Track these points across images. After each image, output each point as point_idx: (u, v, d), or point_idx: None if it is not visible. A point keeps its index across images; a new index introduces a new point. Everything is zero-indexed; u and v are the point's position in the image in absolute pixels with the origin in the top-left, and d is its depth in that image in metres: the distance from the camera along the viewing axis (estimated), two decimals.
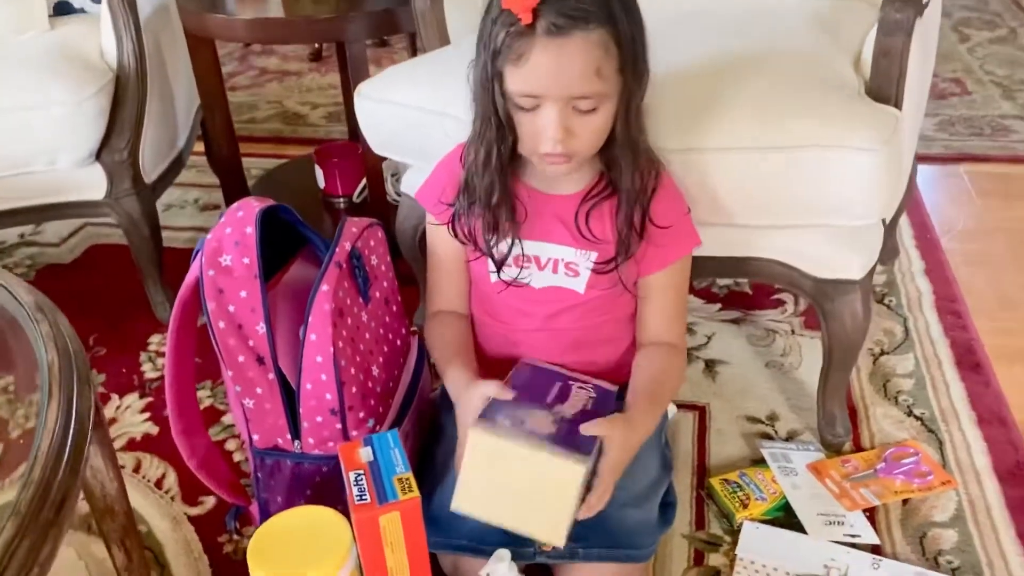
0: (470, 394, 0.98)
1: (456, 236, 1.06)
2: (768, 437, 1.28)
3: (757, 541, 1.10)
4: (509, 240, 1.03)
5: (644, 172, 0.99)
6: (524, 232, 1.03)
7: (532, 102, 0.92)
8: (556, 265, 1.04)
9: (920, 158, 2.03)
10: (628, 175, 0.98)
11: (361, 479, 0.88)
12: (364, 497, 0.85)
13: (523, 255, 1.04)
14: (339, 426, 1.03)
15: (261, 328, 1.00)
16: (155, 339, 1.59)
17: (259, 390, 1.02)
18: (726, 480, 1.18)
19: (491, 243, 1.04)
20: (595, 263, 1.02)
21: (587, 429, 0.93)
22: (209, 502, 1.23)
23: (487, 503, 0.92)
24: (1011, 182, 1.98)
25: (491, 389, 0.96)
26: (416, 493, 0.86)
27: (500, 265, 1.05)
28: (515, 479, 0.90)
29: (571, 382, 1.06)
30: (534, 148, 0.96)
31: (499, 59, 0.91)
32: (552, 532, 0.91)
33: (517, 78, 0.91)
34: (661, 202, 1.01)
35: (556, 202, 1.03)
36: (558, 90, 0.90)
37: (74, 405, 0.68)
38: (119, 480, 0.82)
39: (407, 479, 0.87)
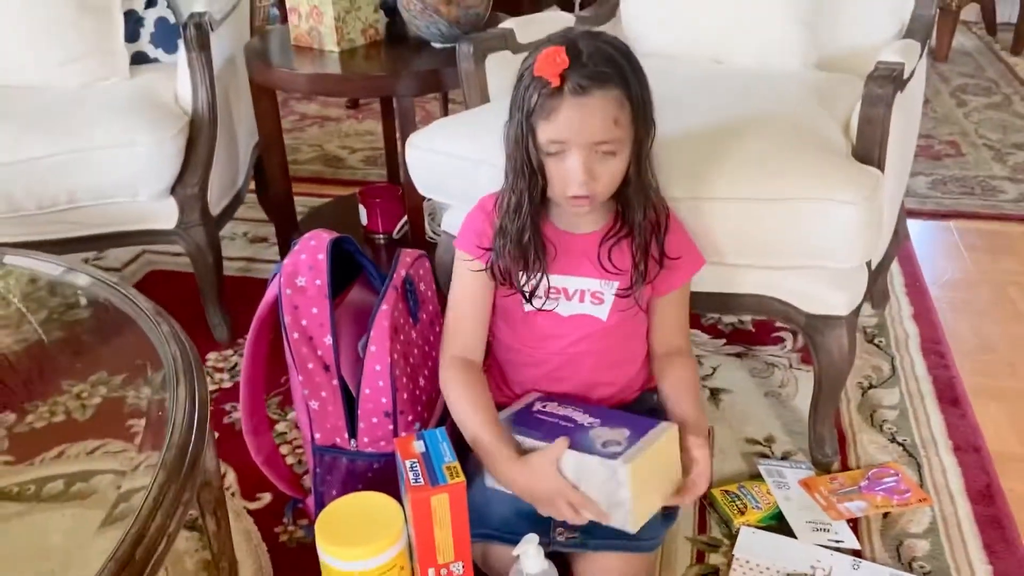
0: (542, 461, 1.07)
1: (493, 276, 1.21)
2: (765, 456, 1.43)
3: (752, 543, 1.25)
4: (539, 275, 1.19)
5: (656, 210, 1.16)
6: (554, 268, 1.19)
7: (559, 147, 1.09)
8: (583, 295, 1.20)
9: (913, 213, 2.22)
10: (641, 212, 1.15)
11: (416, 466, 1.04)
12: (419, 480, 1.02)
13: (552, 287, 1.20)
14: (391, 427, 1.19)
15: (328, 340, 1.17)
16: (212, 356, 1.75)
17: (324, 393, 1.19)
18: (726, 491, 1.33)
19: (523, 279, 1.19)
20: (619, 289, 1.18)
21: (695, 446, 1.10)
22: (266, 498, 1.38)
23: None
24: (997, 238, 2.15)
25: (569, 493, 1.06)
26: (462, 478, 1.02)
27: (530, 297, 1.20)
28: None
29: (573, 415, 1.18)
30: (563, 191, 1.13)
31: (532, 117, 1.09)
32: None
33: (548, 130, 1.09)
34: (672, 235, 1.18)
35: (580, 240, 1.19)
36: (583, 138, 1.08)
37: (196, 387, 0.85)
38: (216, 459, 0.99)
39: (454, 467, 1.04)
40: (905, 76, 1.28)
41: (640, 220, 1.15)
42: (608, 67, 1.06)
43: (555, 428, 1.11)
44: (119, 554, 0.64)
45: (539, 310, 1.21)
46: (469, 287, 1.22)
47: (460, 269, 1.23)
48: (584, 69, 1.05)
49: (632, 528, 1.06)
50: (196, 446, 0.78)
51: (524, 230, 1.16)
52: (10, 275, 1.30)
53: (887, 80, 1.21)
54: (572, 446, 1.06)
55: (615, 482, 1.03)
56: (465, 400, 1.17)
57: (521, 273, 1.18)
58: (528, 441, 1.11)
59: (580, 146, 1.08)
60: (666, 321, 1.25)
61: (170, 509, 0.71)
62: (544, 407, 1.18)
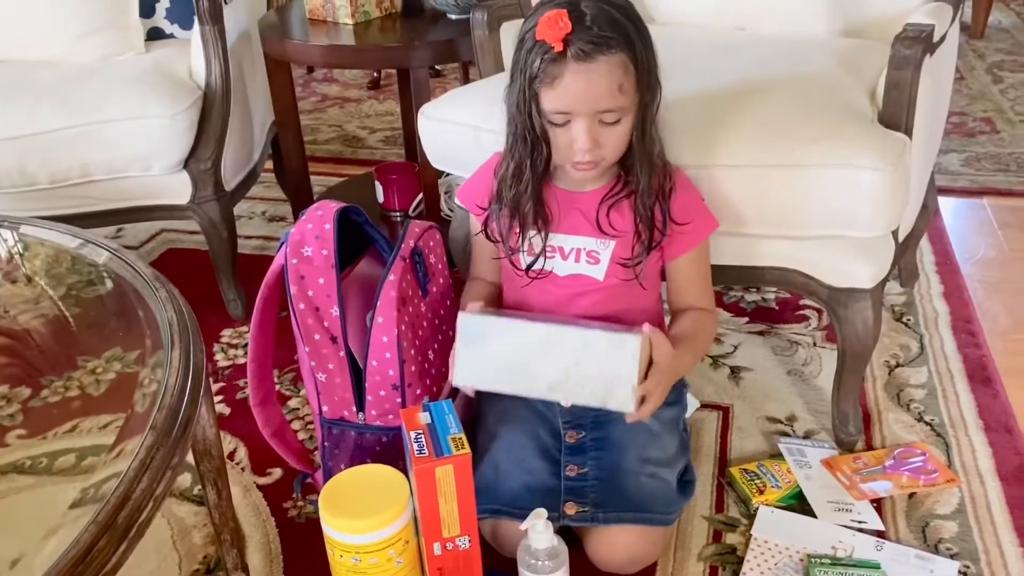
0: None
1: (488, 237, 1.20)
2: (786, 435, 1.39)
3: (771, 523, 1.21)
4: (538, 234, 1.16)
5: (659, 175, 1.12)
6: (552, 226, 1.16)
7: (564, 118, 1.07)
8: (579, 254, 1.17)
9: (945, 191, 2.16)
10: (645, 179, 1.11)
11: (421, 438, 1.01)
12: (423, 452, 0.99)
13: (549, 246, 1.17)
14: (399, 400, 1.17)
15: (335, 311, 1.15)
16: (227, 332, 1.74)
17: (331, 366, 1.17)
18: (745, 469, 1.30)
19: (518, 241, 1.17)
20: (621, 258, 1.15)
21: (648, 327, 1.07)
22: (276, 473, 1.37)
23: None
24: None
25: (473, 306, 1.12)
26: (467, 450, 0.99)
27: (527, 263, 1.18)
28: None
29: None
30: (567, 158, 1.10)
31: (535, 82, 1.06)
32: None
33: (551, 98, 1.06)
34: (679, 200, 1.14)
35: (581, 199, 1.16)
36: (587, 106, 1.05)
37: (191, 350, 0.83)
38: (216, 428, 0.97)
39: (460, 439, 1.01)
40: (935, 39, 1.22)
41: (643, 185, 1.12)
42: (612, 31, 1.03)
43: (529, 318, 1.10)
44: (100, 517, 0.62)
45: (537, 271, 1.18)
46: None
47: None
48: (588, 33, 1.02)
49: (632, 407, 1.04)
50: (188, 410, 0.76)
51: (519, 196, 1.14)
52: (29, 248, 1.29)
53: (916, 41, 1.16)
54: (561, 324, 1.07)
55: (622, 355, 1.03)
56: (469, 292, 1.26)
57: (516, 238, 1.17)
58: (506, 321, 1.08)
59: (585, 115, 1.05)
60: (683, 283, 1.21)
61: (157, 472, 0.69)
62: (508, 314, 1.15)
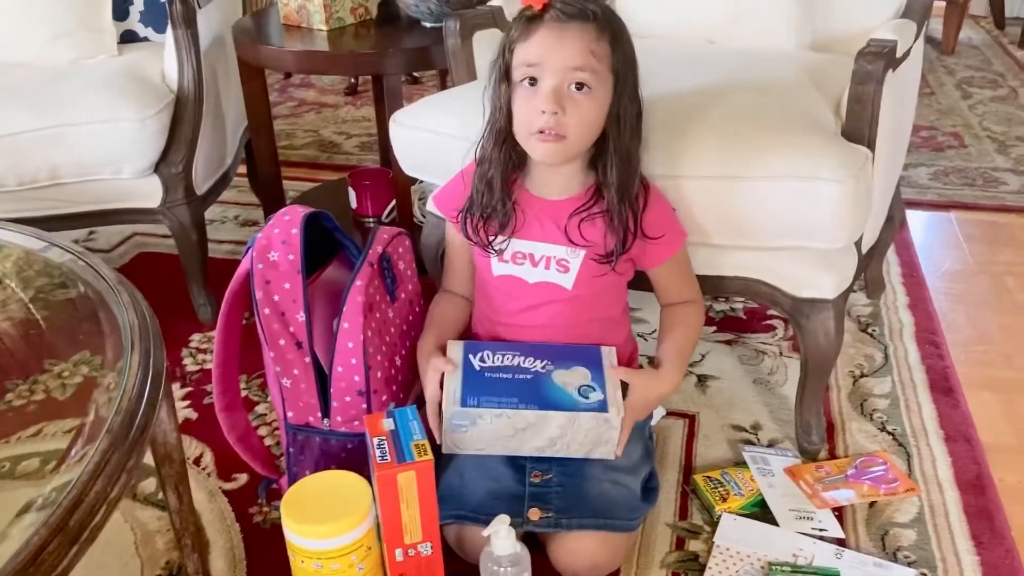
0: (426, 365, 1.16)
1: (468, 237, 1.21)
2: (750, 443, 1.40)
3: (733, 531, 1.22)
4: (507, 239, 1.18)
5: (633, 185, 1.13)
6: (522, 233, 1.18)
7: (533, 72, 1.08)
8: (548, 262, 1.17)
9: (913, 204, 2.19)
10: (618, 187, 1.11)
11: (383, 443, 1.01)
12: (386, 458, 0.99)
13: (519, 252, 1.18)
14: (364, 406, 1.17)
15: (301, 316, 1.15)
16: (196, 337, 1.74)
17: (296, 371, 1.16)
18: (709, 477, 1.31)
19: (492, 242, 1.18)
20: (595, 254, 1.15)
21: (616, 373, 1.13)
22: (242, 479, 1.36)
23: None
24: (998, 229, 2.11)
25: (439, 364, 1.14)
26: (430, 456, 1.00)
27: (498, 270, 1.19)
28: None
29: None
30: (530, 126, 1.09)
31: (512, 44, 1.09)
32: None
33: (523, 52, 1.09)
34: (652, 213, 1.15)
35: (551, 206, 1.17)
36: (556, 62, 1.06)
37: (151, 354, 0.83)
38: (178, 432, 0.96)
39: (423, 445, 1.01)
40: (898, 55, 1.24)
41: (619, 200, 1.12)
42: (594, 5, 1.07)
43: (513, 385, 1.12)
44: (52, 520, 0.62)
45: (507, 276, 1.19)
46: (457, 237, 1.24)
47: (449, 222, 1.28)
48: (569, 3, 1.06)
49: (613, 456, 1.13)
50: (147, 413, 0.76)
51: (492, 200, 1.16)
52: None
53: (878, 57, 1.18)
54: (548, 403, 1.10)
55: (607, 428, 1.10)
56: (433, 311, 1.27)
57: (491, 237, 1.18)
58: (497, 410, 1.09)
59: (553, 72, 1.07)
60: (663, 286, 1.25)
61: (112, 475, 0.69)
62: (485, 363, 1.15)
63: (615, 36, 1.08)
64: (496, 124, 1.14)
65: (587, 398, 1.11)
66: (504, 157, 1.15)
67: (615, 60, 1.08)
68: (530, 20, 1.07)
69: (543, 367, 1.14)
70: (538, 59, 1.07)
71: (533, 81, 1.08)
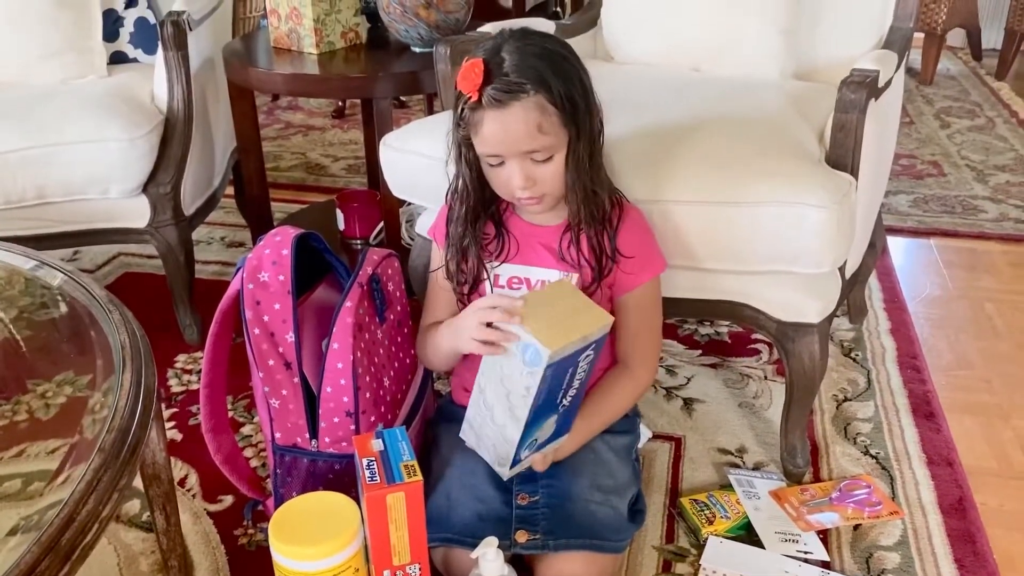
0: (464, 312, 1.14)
1: (456, 283, 1.21)
2: (736, 466, 1.41)
3: (720, 553, 1.23)
4: (500, 263, 1.19)
5: (601, 206, 1.14)
6: (517, 259, 1.19)
7: (496, 159, 1.11)
8: (543, 285, 1.18)
9: (894, 231, 2.22)
10: (583, 209, 1.14)
11: (373, 464, 1.01)
12: (375, 479, 0.99)
13: (514, 277, 1.19)
14: (353, 427, 1.17)
15: (290, 337, 1.15)
16: (181, 358, 1.73)
17: (284, 392, 1.16)
18: (695, 500, 1.31)
19: (466, 278, 1.19)
20: (580, 282, 1.17)
21: (534, 461, 1.14)
22: (227, 500, 1.35)
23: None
24: (976, 256, 2.14)
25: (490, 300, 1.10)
26: (419, 477, 1.00)
27: (493, 283, 1.20)
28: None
29: None
30: (510, 194, 1.14)
31: (464, 128, 1.10)
32: None
33: (479, 143, 1.10)
34: (626, 233, 1.17)
35: (542, 232, 1.19)
36: (511, 149, 1.08)
37: (142, 374, 0.83)
38: (166, 452, 0.96)
39: (412, 466, 1.01)
40: (880, 84, 1.27)
41: (589, 219, 1.14)
42: (525, 76, 1.05)
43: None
44: (43, 538, 0.62)
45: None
46: (442, 272, 1.24)
47: (434, 248, 1.28)
48: (500, 81, 1.05)
49: (549, 347, 1.01)
50: (138, 432, 0.76)
51: (465, 236, 1.18)
52: None
53: (860, 86, 1.20)
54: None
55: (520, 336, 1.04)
56: (429, 341, 1.23)
57: (464, 272, 1.20)
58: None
59: (513, 156, 1.09)
60: (621, 327, 1.21)
61: (103, 494, 0.69)
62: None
63: (556, 94, 1.06)
64: (466, 184, 1.16)
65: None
66: (472, 216, 1.17)
67: (565, 116, 1.08)
68: (473, 107, 1.07)
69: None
70: (494, 150, 1.09)
71: (498, 160, 1.11)
